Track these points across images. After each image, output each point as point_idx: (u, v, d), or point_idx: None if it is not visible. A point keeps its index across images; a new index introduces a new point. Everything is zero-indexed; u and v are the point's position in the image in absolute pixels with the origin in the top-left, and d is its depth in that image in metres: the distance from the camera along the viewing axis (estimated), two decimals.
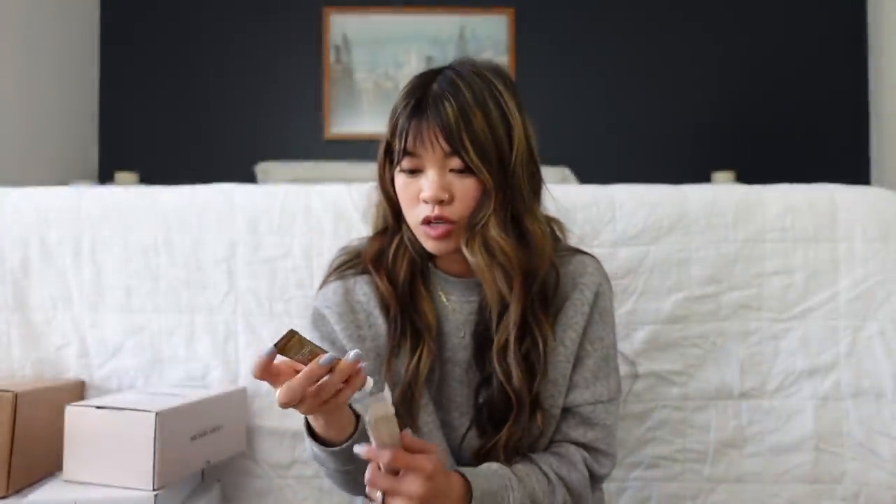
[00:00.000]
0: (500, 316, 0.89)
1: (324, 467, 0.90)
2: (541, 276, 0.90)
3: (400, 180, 0.90)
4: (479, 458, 0.91)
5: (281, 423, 1.24)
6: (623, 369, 1.12)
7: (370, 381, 0.75)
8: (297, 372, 0.71)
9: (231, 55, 3.64)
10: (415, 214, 0.89)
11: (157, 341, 1.27)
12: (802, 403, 1.25)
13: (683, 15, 3.70)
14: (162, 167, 3.43)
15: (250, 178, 3.24)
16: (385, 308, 0.94)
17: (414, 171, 0.88)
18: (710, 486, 1.25)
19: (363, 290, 0.96)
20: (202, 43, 3.65)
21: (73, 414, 1.04)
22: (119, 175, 3.27)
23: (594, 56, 3.69)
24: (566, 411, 0.93)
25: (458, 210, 0.87)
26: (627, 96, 3.67)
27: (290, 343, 0.69)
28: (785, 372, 1.25)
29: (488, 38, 3.68)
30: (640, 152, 3.63)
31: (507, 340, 0.89)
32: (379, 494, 0.75)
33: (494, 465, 0.87)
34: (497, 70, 0.91)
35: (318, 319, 0.98)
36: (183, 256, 1.28)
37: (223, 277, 1.27)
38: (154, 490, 0.99)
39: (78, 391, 1.25)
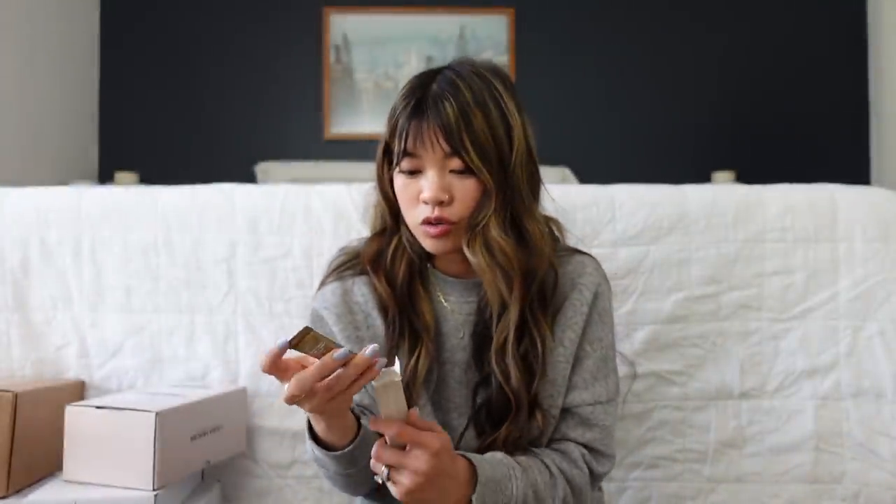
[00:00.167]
0: (500, 316, 0.89)
1: (324, 470, 0.90)
2: (539, 277, 0.89)
3: (399, 181, 0.89)
4: None
5: (281, 423, 1.24)
6: (622, 369, 1.12)
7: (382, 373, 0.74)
8: (306, 368, 0.71)
9: (231, 55, 3.64)
10: (414, 215, 0.89)
11: (157, 341, 1.27)
12: (802, 403, 1.25)
13: (683, 15, 3.70)
14: (162, 167, 3.43)
15: (250, 178, 3.24)
16: (383, 309, 0.94)
17: (413, 172, 0.88)
18: (710, 487, 1.25)
19: (361, 290, 0.96)
20: (202, 43, 3.65)
21: (73, 414, 1.04)
22: (119, 175, 3.27)
23: (594, 56, 3.69)
24: (565, 412, 0.93)
25: (457, 211, 0.87)
26: (627, 96, 3.67)
27: (304, 339, 0.68)
28: (785, 372, 1.25)
29: (488, 38, 3.68)
30: (640, 152, 3.63)
31: (505, 340, 0.88)
32: (384, 469, 0.75)
33: (499, 455, 0.86)
34: (496, 70, 0.91)
35: (316, 320, 0.98)
36: (183, 256, 1.28)
37: (223, 277, 1.27)
38: (154, 490, 0.99)
39: (78, 391, 1.25)
